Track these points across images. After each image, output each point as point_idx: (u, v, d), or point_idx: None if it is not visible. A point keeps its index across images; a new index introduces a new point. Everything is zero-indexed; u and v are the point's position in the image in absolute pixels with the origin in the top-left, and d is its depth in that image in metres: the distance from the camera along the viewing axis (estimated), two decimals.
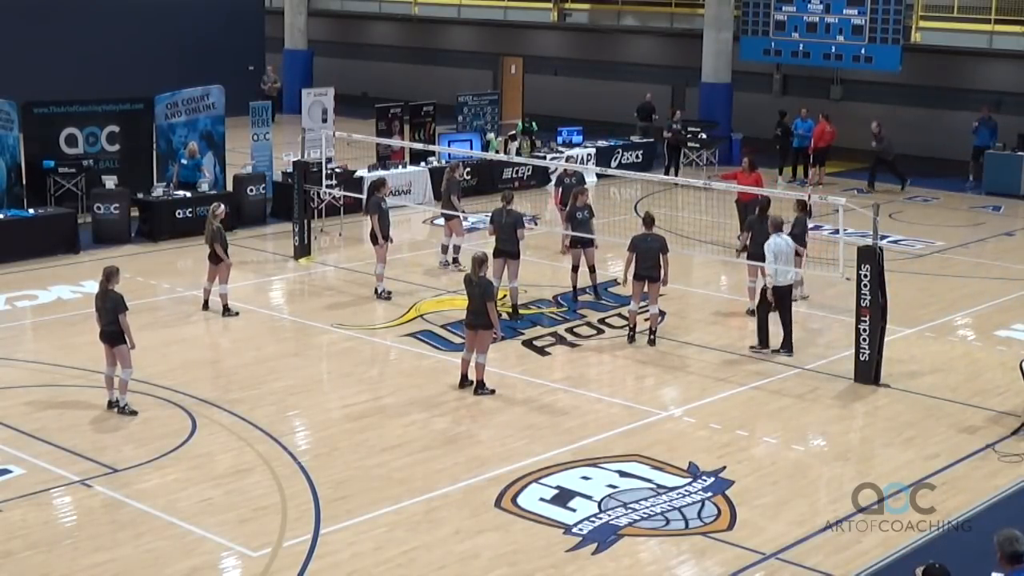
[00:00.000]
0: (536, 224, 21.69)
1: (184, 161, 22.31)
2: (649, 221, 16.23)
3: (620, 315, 17.14)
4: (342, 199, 22.10)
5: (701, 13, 31.43)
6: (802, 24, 29.34)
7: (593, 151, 27.92)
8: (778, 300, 15.52)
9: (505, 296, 17.18)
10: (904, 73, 29.02)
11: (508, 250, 17.04)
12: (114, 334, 13.11)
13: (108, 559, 10.15)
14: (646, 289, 15.86)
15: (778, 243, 15.44)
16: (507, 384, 14.65)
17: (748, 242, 17.16)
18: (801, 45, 29.47)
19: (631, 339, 16.05)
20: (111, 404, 13.34)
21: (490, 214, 17.73)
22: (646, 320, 16.17)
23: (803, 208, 17.35)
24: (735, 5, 30.68)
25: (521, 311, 17.31)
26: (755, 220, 17.10)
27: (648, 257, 15.74)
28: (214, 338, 16.57)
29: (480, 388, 14.13)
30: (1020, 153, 27.40)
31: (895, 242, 21.87)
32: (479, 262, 14.05)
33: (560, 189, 20.70)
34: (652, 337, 16.03)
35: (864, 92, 32.04)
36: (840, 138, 29.10)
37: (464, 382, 14.28)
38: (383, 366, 15.52)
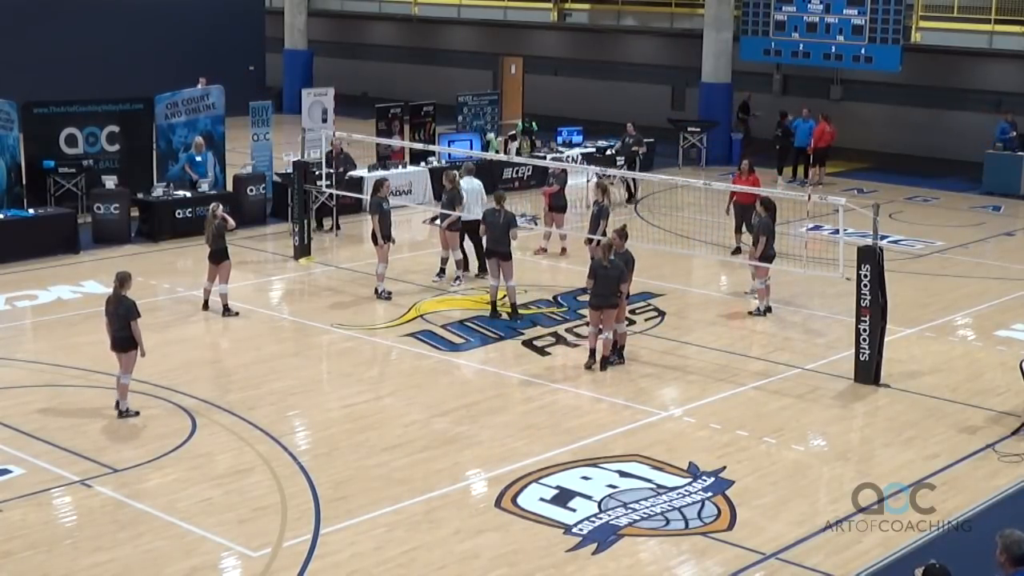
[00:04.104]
0: (536, 224, 21.69)
1: (198, 159, 22.30)
2: (608, 248, 15.01)
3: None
4: (335, 198, 22.07)
5: (701, 13, 31.44)
6: (802, 24, 29.33)
7: (593, 151, 27.87)
8: (470, 232, 18.51)
9: (504, 296, 17.20)
10: (904, 73, 29.02)
11: (500, 251, 16.99)
12: (126, 340, 13.07)
13: (108, 559, 10.16)
14: (601, 317, 14.96)
15: (472, 184, 18.79)
16: (507, 384, 14.67)
17: (755, 243, 17.17)
18: (801, 45, 29.46)
19: (589, 365, 15.07)
20: (122, 413, 13.27)
21: (483, 214, 17.71)
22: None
23: (768, 209, 17.31)
24: (735, 5, 30.68)
25: (521, 311, 17.31)
26: (768, 219, 17.10)
27: (604, 286, 14.83)
28: (214, 338, 16.57)
29: (605, 362, 14.98)
30: (1020, 153, 27.40)
31: (895, 242, 21.87)
32: (609, 247, 14.92)
33: (545, 186, 21.18)
34: (604, 363, 15.02)
35: (864, 92, 32.06)
36: (840, 138, 29.12)
37: (593, 360, 15.03)
38: (383, 366, 15.52)
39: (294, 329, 16.86)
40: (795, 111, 29.32)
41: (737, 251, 20.36)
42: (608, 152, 27.19)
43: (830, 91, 32.48)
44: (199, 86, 24.67)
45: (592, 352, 15.11)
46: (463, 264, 18.91)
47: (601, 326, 15.03)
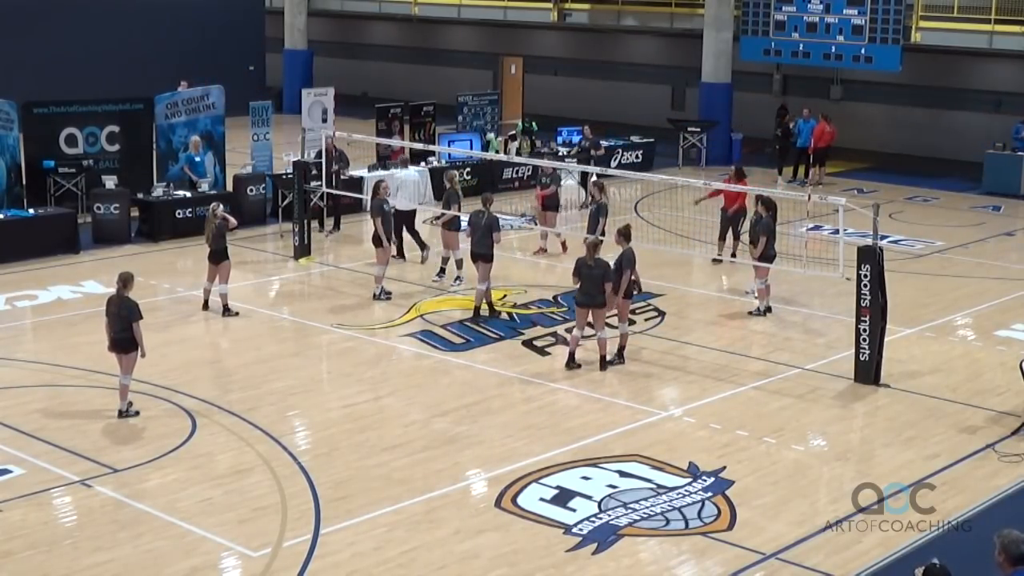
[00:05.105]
0: (536, 224, 21.70)
1: (196, 159, 22.29)
2: (593, 246, 14.93)
3: None
4: (328, 198, 22.01)
5: (701, 13, 31.44)
6: (802, 24, 29.33)
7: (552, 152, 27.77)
8: (407, 221, 19.85)
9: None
10: (904, 73, 29.02)
11: (481, 253, 16.97)
12: (127, 341, 13.06)
13: (108, 559, 10.16)
14: (590, 317, 14.94)
15: (408, 175, 20.02)
16: (507, 384, 14.67)
17: (755, 243, 17.15)
18: (801, 45, 29.47)
19: (568, 365, 15.02)
20: (121, 414, 13.26)
21: (468, 216, 17.69)
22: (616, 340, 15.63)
23: (769, 209, 17.30)
24: (735, 5, 30.69)
25: (521, 311, 17.33)
26: (769, 219, 17.10)
27: (590, 284, 14.80)
28: (214, 338, 16.57)
29: (605, 363, 14.95)
30: (1020, 153, 27.40)
31: (895, 242, 21.87)
32: (594, 246, 14.87)
33: (539, 188, 21.16)
34: (604, 363, 15.03)
35: (864, 92, 32.06)
36: (840, 138, 29.12)
37: (572, 362, 15.01)
38: (383, 366, 15.50)
39: (294, 329, 16.86)
40: (795, 111, 29.30)
41: (718, 261, 20.11)
42: (559, 154, 26.90)
43: (830, 91, 32.47)
44: (180, 89, 24.64)
45: (572, 355, 15.04)
46: (459, 263, 18.92)
47: (593, 326, 15.02)
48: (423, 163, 25.24)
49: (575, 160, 25.83)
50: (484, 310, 17.08)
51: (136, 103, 23.23)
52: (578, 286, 14.96)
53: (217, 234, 16.73)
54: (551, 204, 21.10)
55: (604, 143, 28.90)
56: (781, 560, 10.37)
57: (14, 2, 32.90)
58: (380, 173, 23.12)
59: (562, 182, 22.29)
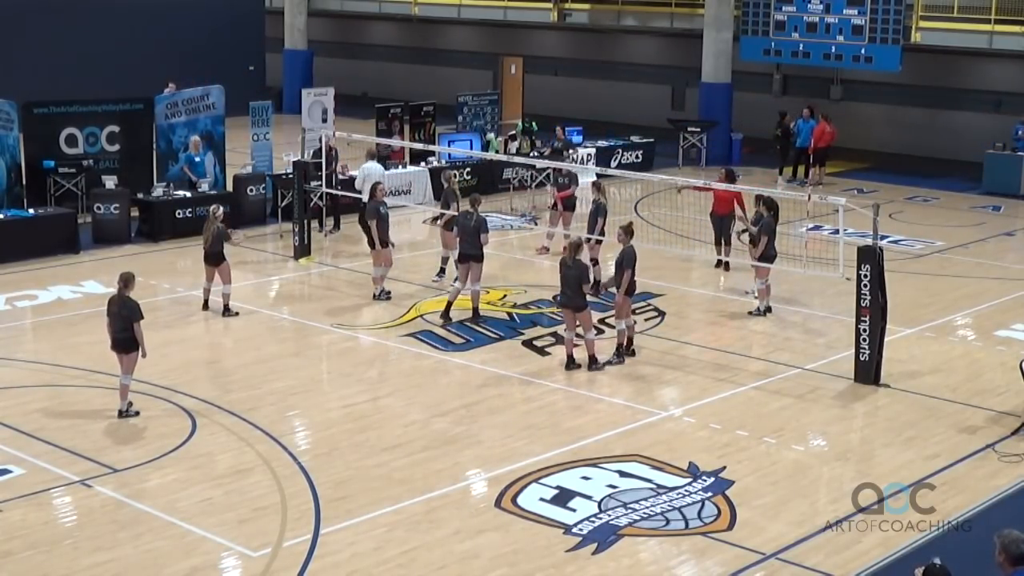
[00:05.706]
0: (536, 224, 21.68)
1: (196, 159, 22.29)
2: (575, 247, 15.00)
3: None
4: (326, 198, 22.02)
5: (701, 13, 31.44)
6: (802, 24, 29.34)
7: (593, 151, 27.89)
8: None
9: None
10: (904, 73, 29.02)
11: (471, 254, 16.93)
12: (128, 340, 13.07)
13: (108, 559, 10.16)
14: (576, 318, 14.96)
15: (372, 168, 20.40)
16: (507, 384, 14.67)
17: (756, 243, 17.15)
18: (801, 45, 29.47)
19: (567, 366, 15.02)
20: (121, 414, 13.26)
21: (456, 216, 17.66)
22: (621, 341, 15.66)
23: (770, 208, 17.29)
24: (735, 5, 30.69)
25: (521, 311, 17.33)
26: (770, 219, 17.11)
27: (567, 285, 14.88)
28: (214, 338, 16.57)
29: (594, 363, 14.90)
30: (1020, 153, 27.40)
31: (895, 242, 21.87)
32: (575, 246, 14.92)
33: (556, 189, 21.08)
34: (592, 362, 14.99)
35: (864, 92, 32.05)
36: (840, 138, 29.12)
37: (571, 363, 14.96)
38: (383, 366, 15.51)
39: (294, 329, 16.86)
40: (795, 111, 29.31)
41: (719, 264, 20.07)
42: (532, 155, 26.73)
43: (830, 91, 32.46)
44: (167, 91, 24.62)
45: (569, 356, 15.04)
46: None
47: (580, 328, 14.97)
48: (423, 163, 25.29)
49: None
50: (482, 309, 17.09)
51: (136, 103, 23.24)
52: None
53: (216, 237, 16.74)
54: (569, 204, 21.04)
55: (604, 143, 28.97)
56: (781, 560, 10.37)
57: (14, 2, 32.90)
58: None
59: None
